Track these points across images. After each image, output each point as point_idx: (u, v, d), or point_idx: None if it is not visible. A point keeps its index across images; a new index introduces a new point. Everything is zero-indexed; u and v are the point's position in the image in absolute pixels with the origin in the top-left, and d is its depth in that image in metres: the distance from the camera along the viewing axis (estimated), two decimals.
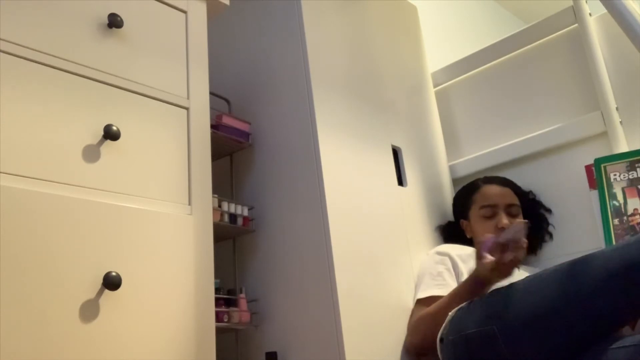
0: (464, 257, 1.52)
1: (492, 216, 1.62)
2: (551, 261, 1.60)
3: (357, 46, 1.74)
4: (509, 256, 1.23)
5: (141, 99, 1.17)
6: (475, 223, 1.65)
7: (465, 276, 1.46)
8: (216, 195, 1.38)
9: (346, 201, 1.46)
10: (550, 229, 1.71)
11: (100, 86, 1.11)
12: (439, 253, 1.55)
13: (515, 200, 1.65)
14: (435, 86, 2.04)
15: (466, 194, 1.72)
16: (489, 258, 1.26)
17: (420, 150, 1.80)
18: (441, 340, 1.34)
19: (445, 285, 1.45)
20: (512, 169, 1.82)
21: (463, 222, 1.71)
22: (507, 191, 1.66)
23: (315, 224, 1.40)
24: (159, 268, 1.08)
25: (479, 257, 1.29)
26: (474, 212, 1.66)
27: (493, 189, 1.66)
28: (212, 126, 1.43)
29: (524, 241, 1.25)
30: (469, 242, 1.67)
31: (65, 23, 1.10)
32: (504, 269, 1.25)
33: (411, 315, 1.46)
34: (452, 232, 1.72)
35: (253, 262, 1.52)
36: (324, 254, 1.37)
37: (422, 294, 1.46)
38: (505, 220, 1.59)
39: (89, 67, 1.11)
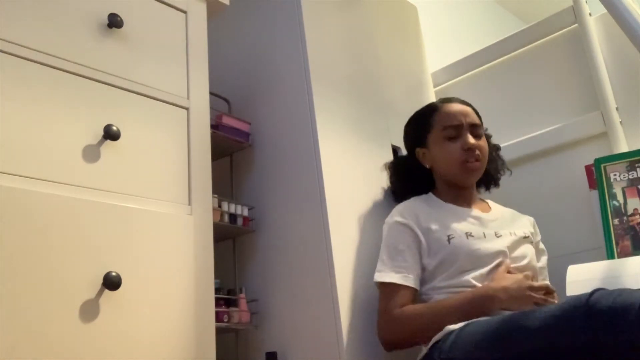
0: (425, 226, 1.37)
1: (456, 137, 1.44)
2: (552, 261, 1.60)
3: (357, 46, 1.74)
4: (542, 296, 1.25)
5: (141, 99, 1.17)
6: (438, 147, 1.46)
7: (425, 255, 1.35)
8: (216, 195, 1.38)
9: (346, 201, 1.46)
10: (550, 229, 1.69)
11: (100, 86, 1.11)
12: (400, 223, 1.38)
13: (477, 120, 1.49)
14: (435, 86, 2.04)
15: (423, 117, 1.52)
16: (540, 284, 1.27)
17: None
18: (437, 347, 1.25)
19: (406, 269, 1.32)
20: (512, 169, 1.82)
21: (419, 152, 1.51)
22: (469, 110, 1.49)
23: (315, 223, 1.40)
24: (159, 268, 1.08)
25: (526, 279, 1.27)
26: (435, 135, 1.47)
27: (455, 107, 1.48)
28: (212, 126, 1.42)
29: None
30: (425, 176, 1.52)
31: (65, 23, 1.10)
32: (527, 300, 1.23)
33: (383, 299, 1.32)
34: (404, 167, 1.55)
35: (253, 262, 1.52)
36: (324, 254, 1.36)
37: (381, 278, 1.33)
38: (472, 140, 1.43)
39: (89, 67, 1.11)
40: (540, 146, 1.77)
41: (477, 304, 1.23)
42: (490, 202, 1.55)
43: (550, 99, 1.81)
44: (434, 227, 1.37)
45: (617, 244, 1.43)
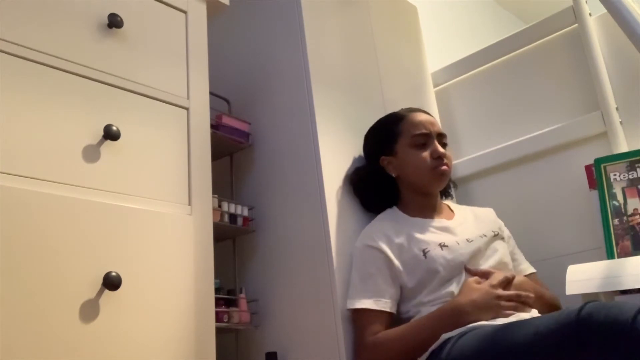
0: (396, 245, 1.35)
1: (425, 145, 1.44)
2: (551, 262, 1.60)
3: (357, 46, 1.74)
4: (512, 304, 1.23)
5: (141, 99, 1.17)
6: (406, 154, 1.44)
7: (402, 275, 1.32)
8: (216, 195, 1.38)
9: (346, 201, 1.46)
10: (550, 229, 1.69)
11: (100, 86, 1.11)
12: (369, 247, 1.35)
13: (442, 130, 1.50)
14: (435, 86, 2.04)
15: (389, 125, 1.50)
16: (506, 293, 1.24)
17: None
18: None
19: (377, 293, 1.30)
20: (512, 169, 1.82)
21: (384, 160, 1.48)
22: (435, 120, 1.51)
23: (315, 223, 1.40)
24: (159, 268, 1.08)
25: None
26: (403, 143, 1.46)
27: (422, 116, 1.49)
28: (212, 126, 1.43)
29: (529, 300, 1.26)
30: (391, 185, 1.49)
31: (65, 23, 1.10)
32: (496, 310, 1.22)
33: (358, 327, 1.30)
34: (369, 177, 1.49)
35: (253, 262, 1.52)
36: (324, 254, 1.37)
37: (352, 304, 1.30)
38: (441, 148, 1.43)
39: (89, 67, 1.11)
40: (540, 146, 1.77)
41: (448, 320, 1.22)
42: (450, 204, 1.55)
43: (550, 99, 1.81)
44: (406, 244, 1.35)
45: (617, 244, 1.43)
